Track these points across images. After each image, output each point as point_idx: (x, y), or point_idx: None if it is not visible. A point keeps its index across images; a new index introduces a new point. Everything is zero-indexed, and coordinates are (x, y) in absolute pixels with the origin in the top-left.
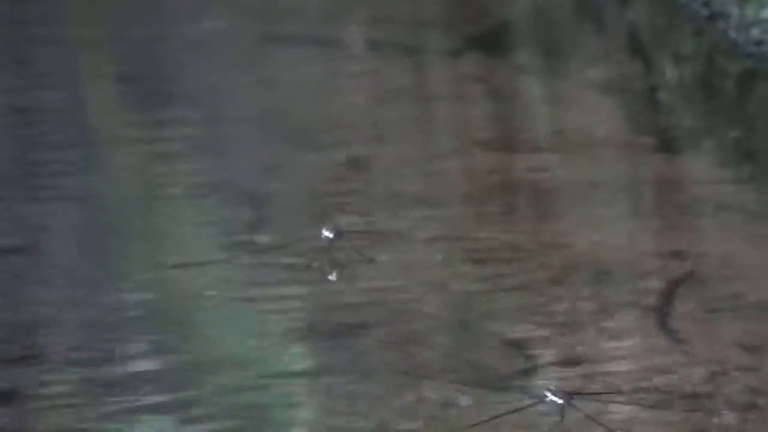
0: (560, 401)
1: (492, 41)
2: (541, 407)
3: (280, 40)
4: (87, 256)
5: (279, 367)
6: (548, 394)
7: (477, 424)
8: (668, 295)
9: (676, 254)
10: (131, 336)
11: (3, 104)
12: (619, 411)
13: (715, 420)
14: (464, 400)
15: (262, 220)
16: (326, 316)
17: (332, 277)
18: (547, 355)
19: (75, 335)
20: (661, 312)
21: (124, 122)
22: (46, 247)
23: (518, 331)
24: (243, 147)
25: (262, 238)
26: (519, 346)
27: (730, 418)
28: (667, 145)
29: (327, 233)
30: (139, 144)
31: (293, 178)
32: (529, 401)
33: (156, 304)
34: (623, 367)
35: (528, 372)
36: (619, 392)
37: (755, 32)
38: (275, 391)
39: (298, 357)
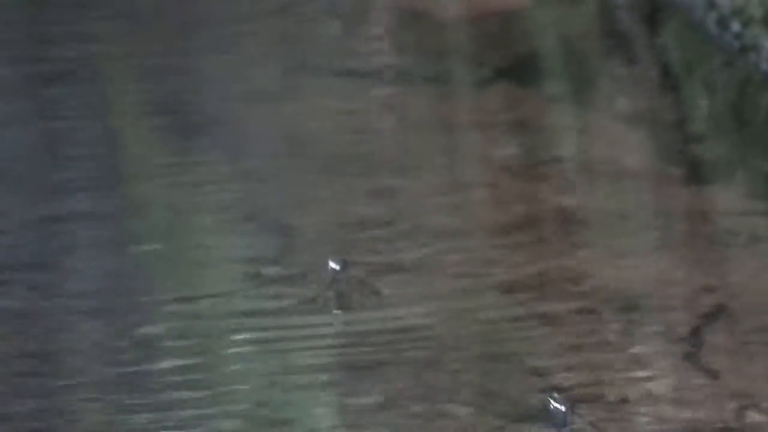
0: (563, 408)
1: (520, 71)
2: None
3: (307, 70)
4: (112, 285)
5: (304, 400)
6: (551, 401)
7: None
8: (698, 328)
9: (706, 287)
10: (156, 364)
11: (32, 130)
12: None
13: None
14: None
15: (287, 250)
16: (352, 349)
17: (336, 311)
18: (573, 387)
19: (99, 363)
20: (691, 345)
21: (152, 153)
22: (71, 276)
23: (545, 363)
24: (269, 178)
25: (288, 269)
26: (545, 377)
27: None
28: (698, 176)
29: (333, 265)
30: (167, 174)
31: (319, 208)
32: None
33: (181, 334)
34: (651, 400)
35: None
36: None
37: None
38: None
39: (324, 390)
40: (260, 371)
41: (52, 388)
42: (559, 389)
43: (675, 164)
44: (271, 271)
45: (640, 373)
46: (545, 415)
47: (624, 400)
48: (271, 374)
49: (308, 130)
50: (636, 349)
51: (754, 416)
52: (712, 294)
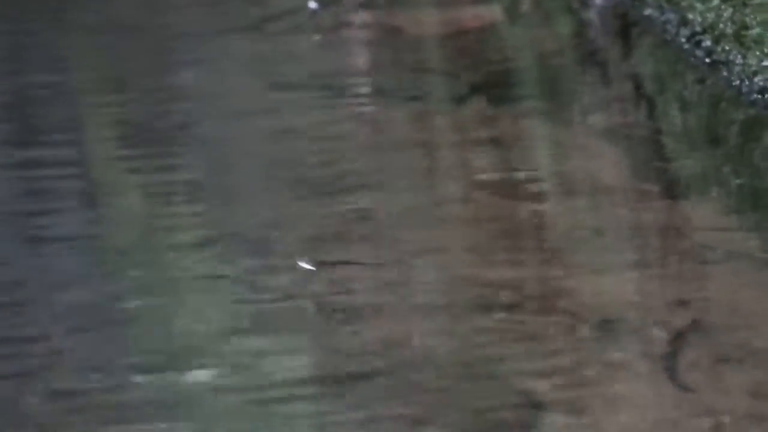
0: None
1: (496, 88)
2: None
3: (284, 87)
4: (88, 304)
5: (284, 413)
6: None
7: None
8: (674, 344)
9: (682, 302)
10: (133, 379)
11: (6, 152)
12: None
13: None
14: None
15: (266, 268)
16: (331, 364)
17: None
18: (552, 403)
19: (74, 382)
20: (668, 361)
21: (129, 170)
22: (46, 295)
23: (523, 379)
24: (248, 196)
25: (267, 287)
26: (524, 393)
27: None
28: (672, 191)
29: (304, 264)
30: (144, 192)
31: (296, 224)
32: None
33: (157, 348)
34: (629, 416)
35: (533, 420)
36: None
37: (759, 80)
38: None
39: (303, 404)
40: (235, 391)
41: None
42: (537, 404)
43: (650, 180)
44: (248, 286)
45: (617, 388)
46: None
47: (602, 416)
48: (249, 391)
49: (285, 147)
50: (613, 365)
51: (730, 431)
52: (688, 309)
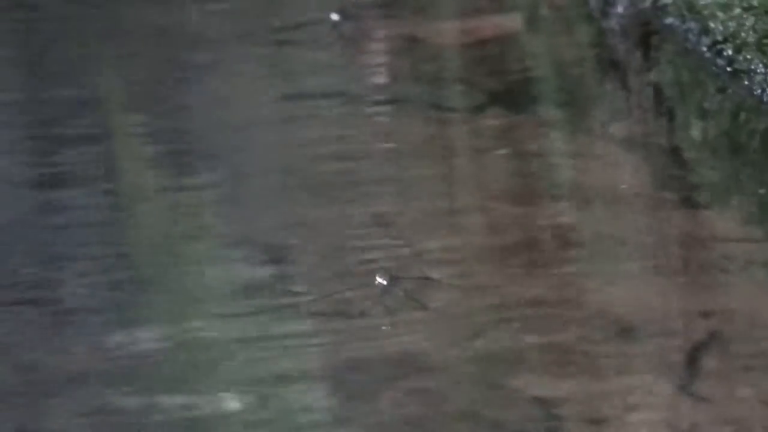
0: None
1: (515, 97)
2: None
3: (302, 96)
4: (110, 309)
5: (300, 420)
6: None
7: None
8: (694, 354)
9: (702, 312)
10: (152, 387)
11: (29, 160)
12: None
13: None
14: None
15: (285, 275)
16: (348, 372)
17: (386, 326)
18: (570, 413)
19: (95, 387)
20: (687, 371)
21: (149, 178)
22: (68, 300)
23: (541, 388)
24: (266, 203)
25: (285, 294)
26: (542, 403)
27: None
28: (692, 201)
29: (381, 280)
30: (164, 200)
31: (314, 233)
32: None
33: (178, 357)
34: (648, 426)
35: (551, 430)
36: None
37: None
38: None
39: (320, 410)
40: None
41: None
42: (554, 415)
43: (670, 189)
44: (268, 293)
45: (636, 399)
46: None
47: (619, 426)
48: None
49: (304, 156)
50: (631, 375)
51: None
52: (708, 319)
